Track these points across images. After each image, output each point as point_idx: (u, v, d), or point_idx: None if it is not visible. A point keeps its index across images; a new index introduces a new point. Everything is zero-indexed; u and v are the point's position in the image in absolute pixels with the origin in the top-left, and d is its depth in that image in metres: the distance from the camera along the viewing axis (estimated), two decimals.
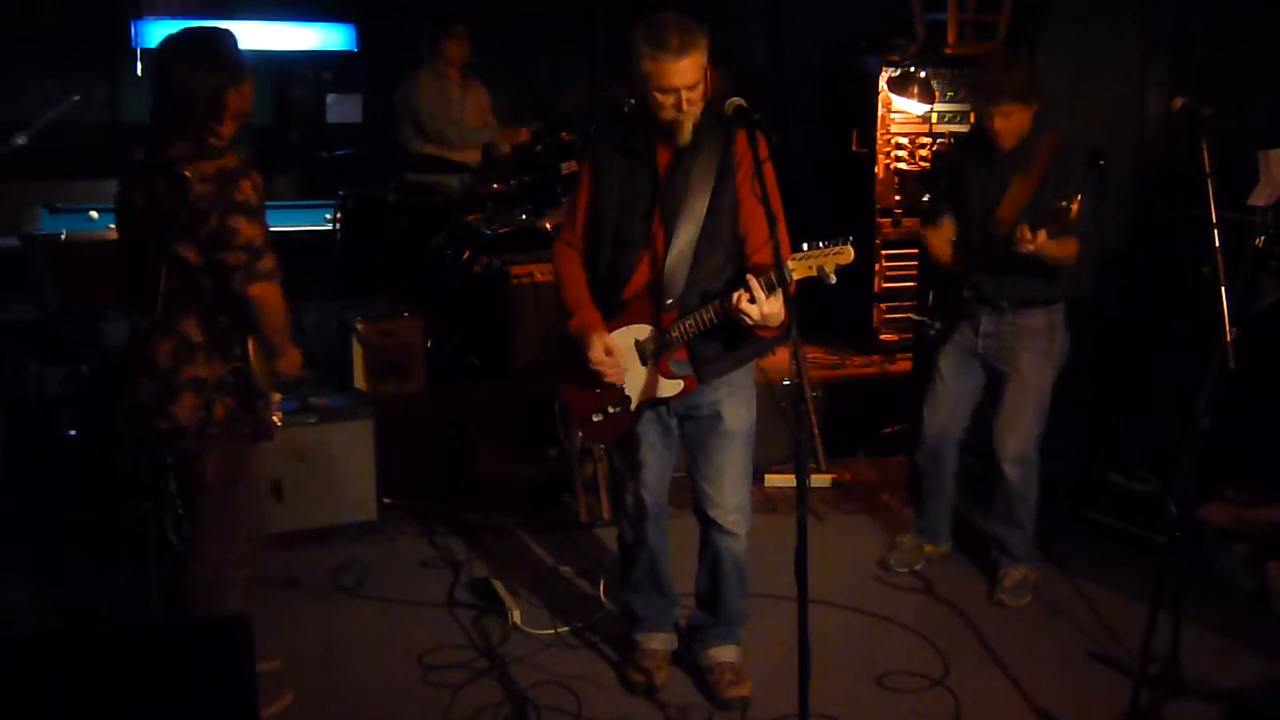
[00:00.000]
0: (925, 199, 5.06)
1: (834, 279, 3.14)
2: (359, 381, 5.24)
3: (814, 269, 3.14)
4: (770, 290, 3.13)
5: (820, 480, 5.34)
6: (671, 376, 3.40)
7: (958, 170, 4.27)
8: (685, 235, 3.32)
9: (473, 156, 6.58)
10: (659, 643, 3.78)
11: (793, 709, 2.87)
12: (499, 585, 4.28)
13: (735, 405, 3.49)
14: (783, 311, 3.13)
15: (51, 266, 5.29)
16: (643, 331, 3.40)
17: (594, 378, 3.40)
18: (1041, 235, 3.75)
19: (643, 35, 3.19)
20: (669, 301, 3.34)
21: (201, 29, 3.24)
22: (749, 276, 3.15)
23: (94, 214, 5.71)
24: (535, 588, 4.38)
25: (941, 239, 4.26)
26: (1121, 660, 3.85)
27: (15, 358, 5.01)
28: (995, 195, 4.05)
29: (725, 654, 3.69)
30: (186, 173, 3.02)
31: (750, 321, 3.16)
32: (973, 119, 4.29)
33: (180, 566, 3.37)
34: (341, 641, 3.97)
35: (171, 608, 3.38)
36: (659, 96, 3.20)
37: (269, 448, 3.37)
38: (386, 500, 4.88)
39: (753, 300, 3.13)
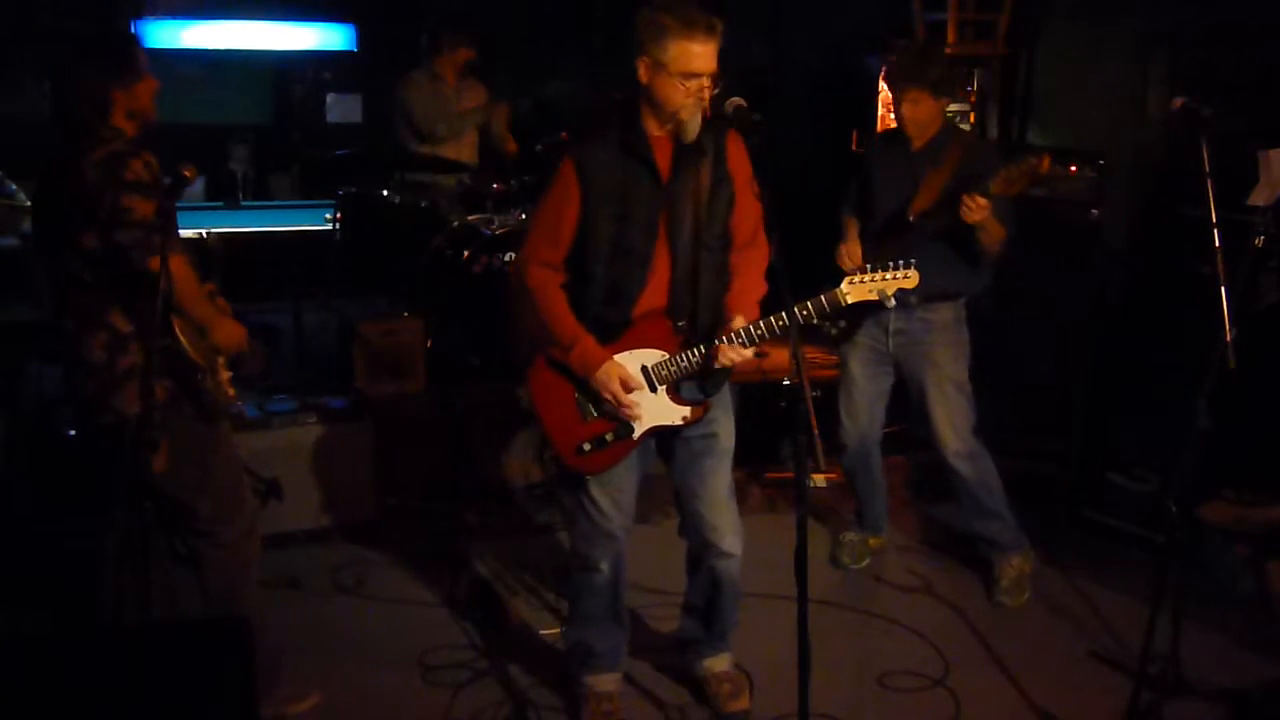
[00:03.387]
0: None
1: (893, 302, 3.15)
2: (359, 381, 5.24)
3: (874, 293, 3.10)
4: (751, 343, 3.12)
5: (819, 480, 5.33)
6: (684, 403, 3.25)
7: (867, 172, 4.31)
8: (690, 244, 3.16)
9: (470, 156, 6.58)
10: (613, 683, 3.56)
11: (793, 709, 2.86)
12: (499, 585, 4.28)
13: (726, 422, 3.38)
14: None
15: None
16: (652, 356, 3.21)
17: (584, 405, 3.23)
18: (986, 204, 3.75)
19: (667, 15, 2.99)
20: (681, 324, 3.20)
21: (100, 33, 3.30)
22: (735, 329, 3.11)
23: None
24: (535, 588, 4.38)
25: (852, 242, 4.25)
26: (1121, 660, 3.86)
27: (15, 358, 5.00)
28: (908, 191, 4.06)
29: (720, 663, 3.65)
30: (84, 167, 3.05)
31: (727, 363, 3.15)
32: (893, 122, 4.30)
33: (195, 558, 3.41)
34: (341, 641, 3.97)
35: (206, 601, 3.42)
36: (680, 84, 3.01)
37: (224, 424, 3.37)
38: (387, 500, 4.88)
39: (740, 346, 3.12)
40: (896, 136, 4.19)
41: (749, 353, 3.14)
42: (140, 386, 3.09)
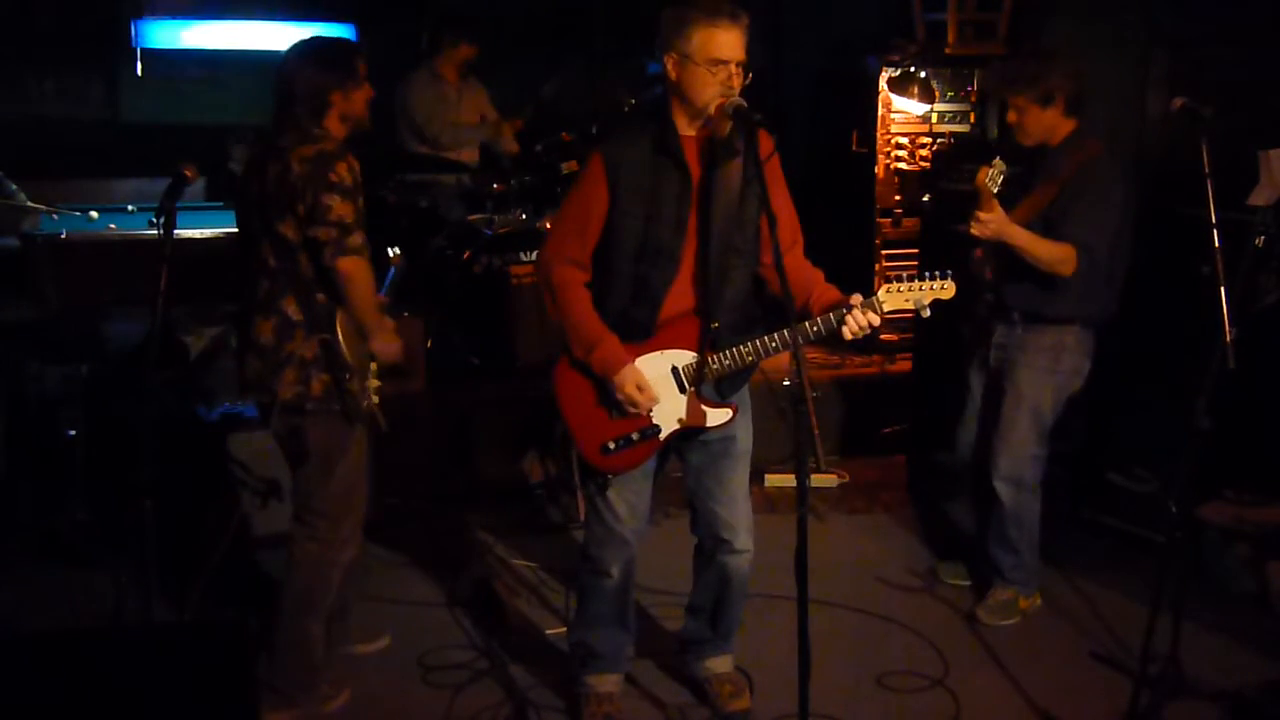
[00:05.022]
0: (925, 198, 5.00)
1: (928, 312, 3.15)
2: None
3: (910, 301, 3.13)
4: (874, 310, 3.11)
5: (820, 480, 5.34)
6: (712, 405, 3.25)
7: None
8: (719, 246, 3.15)
9: (470, 156, 6.58)
10: (614, 684, 3.56)
11: (793, 709, 2.87)
12: (499, 585, 4.28)
13: (745, 423, 3.38)
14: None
15: (51, 266, 5.29)
16: (682, 357, 3.20)
17: (610, 405, 3.22)
18: (988, 219, 3.66)
19: (690, 8, 3.02)
20: (714, 325, 3.17)
21: (326, 37, 3.45)
22: (860, 305, 3.10)
23: (94, 214, 5.71)
24: (535, 588, 4.38)
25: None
26: (1121, 660, 3.86)
27: (15, 358, 5.00)
28: (1016, 200, 3.91)
29: (722, 664, 3.65)
30: (292, 161, 3.19)
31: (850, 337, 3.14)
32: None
33: (288, 547, 3.48)
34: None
35: (281, 589, 3.49)
36: (708, 73, 2.99)
37: (361, 429, 3.44)
38: (387, 500, 4.88)
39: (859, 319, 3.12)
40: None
41: (877, 319, 3.12)
42: (301, 375, 3.27)
